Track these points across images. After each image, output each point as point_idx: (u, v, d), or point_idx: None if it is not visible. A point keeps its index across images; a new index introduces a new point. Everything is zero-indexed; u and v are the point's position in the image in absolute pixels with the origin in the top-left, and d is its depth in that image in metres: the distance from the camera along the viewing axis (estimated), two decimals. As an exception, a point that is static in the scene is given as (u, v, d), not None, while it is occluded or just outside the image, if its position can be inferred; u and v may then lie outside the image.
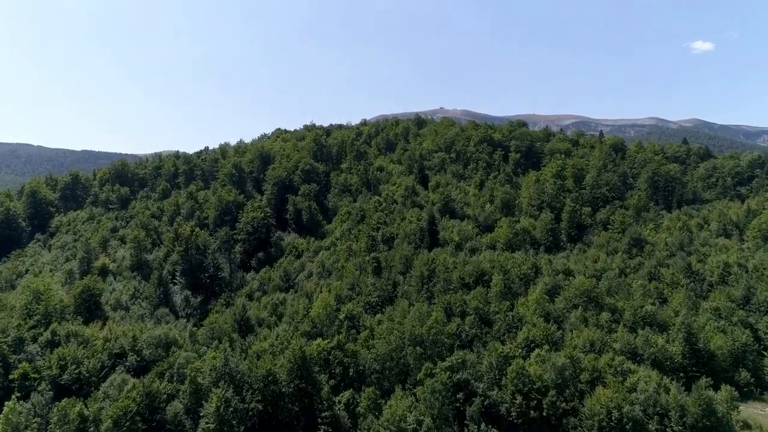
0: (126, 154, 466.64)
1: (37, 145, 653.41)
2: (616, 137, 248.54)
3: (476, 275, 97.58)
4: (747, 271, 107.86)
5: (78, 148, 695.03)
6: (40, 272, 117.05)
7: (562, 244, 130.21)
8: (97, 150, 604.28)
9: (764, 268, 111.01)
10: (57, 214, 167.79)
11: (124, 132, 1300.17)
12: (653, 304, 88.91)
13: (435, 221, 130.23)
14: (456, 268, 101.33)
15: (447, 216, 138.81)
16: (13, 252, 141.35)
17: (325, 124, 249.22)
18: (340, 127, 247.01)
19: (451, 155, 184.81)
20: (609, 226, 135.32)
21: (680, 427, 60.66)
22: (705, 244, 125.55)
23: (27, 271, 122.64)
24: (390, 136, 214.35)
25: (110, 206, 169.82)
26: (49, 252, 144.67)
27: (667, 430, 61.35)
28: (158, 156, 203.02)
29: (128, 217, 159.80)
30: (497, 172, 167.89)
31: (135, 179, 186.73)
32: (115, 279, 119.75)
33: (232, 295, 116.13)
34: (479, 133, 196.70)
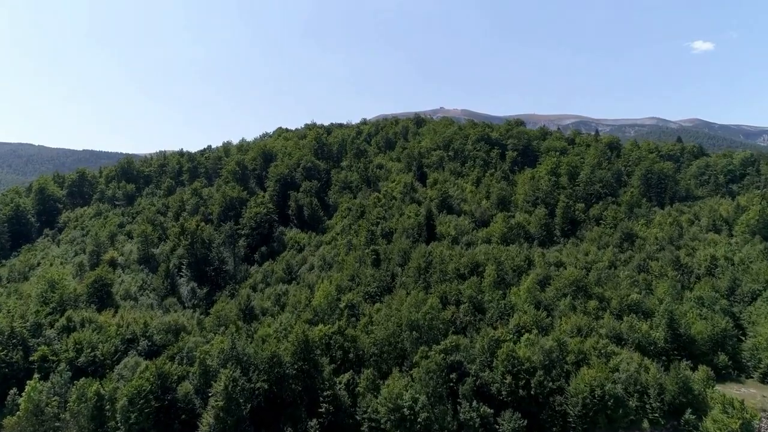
0: (127, 154, 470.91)
1: (38, 145, 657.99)
2: (613, 136, 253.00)
3: (471, 266, 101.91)
4: (733, 264, 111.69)
5: (79, 147, 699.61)
6: (51, 265, 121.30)
7: (555, 238, 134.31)
8: (98, 150, 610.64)
9: (750, 261, 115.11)
10: (65, 211, 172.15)
11: (125, 132, 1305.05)
12: (639, 293, 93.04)
13: (432, 217, 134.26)
14: (452, 260, 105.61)
15: (444, 212, 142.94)
16: (23, 246, 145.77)
17: (326, 124, 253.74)
18: (340, 126, 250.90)
19: (449, 153, 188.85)
20: (601, 222, 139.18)
21: (658, 404, 65.03)
22: (694, 239, 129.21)
23: (38, 264, 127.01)
24: (389, 134, 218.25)
25: (116, 203, 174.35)
26: (58, 246, 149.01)
27: (646, 406, 65.72)
28: (162, 154, 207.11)
29: (134, 213, 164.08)
30: (494, 170, 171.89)
31: (140, 176, 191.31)
32: (123, 272, 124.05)
33: (237, 287, 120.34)
34: (477, 131, 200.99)
